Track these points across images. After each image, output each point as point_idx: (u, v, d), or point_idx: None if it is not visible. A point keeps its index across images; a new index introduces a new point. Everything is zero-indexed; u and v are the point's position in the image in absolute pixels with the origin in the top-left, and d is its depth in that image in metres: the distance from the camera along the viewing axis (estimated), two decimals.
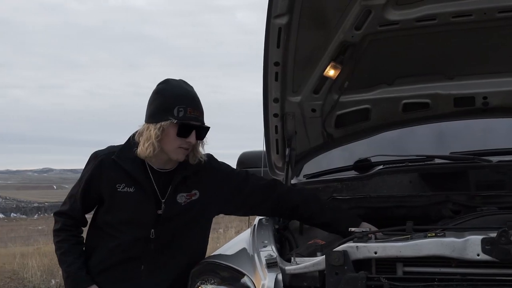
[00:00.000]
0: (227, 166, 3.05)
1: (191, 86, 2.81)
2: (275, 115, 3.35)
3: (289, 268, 2.31)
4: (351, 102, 3.42)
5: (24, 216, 65.19)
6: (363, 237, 2.28)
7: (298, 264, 2.33)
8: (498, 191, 3.13)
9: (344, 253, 2.21)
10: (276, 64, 3.11)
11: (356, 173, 3.64)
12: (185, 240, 2.81)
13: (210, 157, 2.94)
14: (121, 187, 2.75)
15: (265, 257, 2.41)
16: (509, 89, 3.22)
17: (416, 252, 2.17)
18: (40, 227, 36.43)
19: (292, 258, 2.37)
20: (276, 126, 3.39)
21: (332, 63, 3.19)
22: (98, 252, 2.82)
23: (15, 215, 68.16)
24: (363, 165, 3.64)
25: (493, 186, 3.15)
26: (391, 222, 3.22)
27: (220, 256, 2.76)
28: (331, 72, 3.22)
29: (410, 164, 3.36)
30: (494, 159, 3.29)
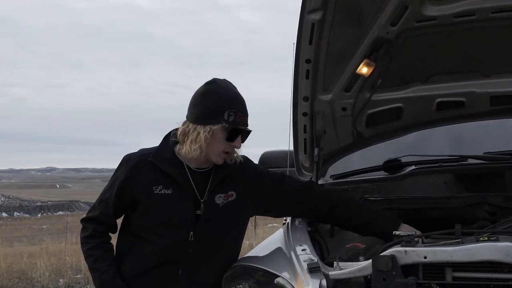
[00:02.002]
0: (263, 168, 3.02)
1: (236, 88, 2.77)
2: (304, 114, 3.26)
3: (333, 273, 2.21)
4: (383, 100, 3.32)
5: (27, 215, 65.26)
6: (411, 241, 2.18)
7: (341, 269, 2.23)
8: None
9: (392, 257, 2.11)
10: (308, 61, 3.02)
11: (385, 173, 3.55)
12: (223, 242, 2.74)
13: (245, 158, 2.89)
14: (158, 189, 2.68)
15: (306, 261, 2.32)
16: None
17: (469, 257, 2.07)
18: (44, 226, 36.43)
19: (334, 262, 2.27)
20: (305, 125, 3.30)
21: (365, 60, 3.09)
22: (132, 258, 2.72)
23: (18, 214, 68.21)
24: (393, 165, 3.54)
25: None
26: (425, 224, 3.15)
27: (254, 259, 2.66)
28: (364, 70, 3.13)
29: (444, 164, 3.26)
30: None
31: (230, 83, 2.76)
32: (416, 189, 3.22)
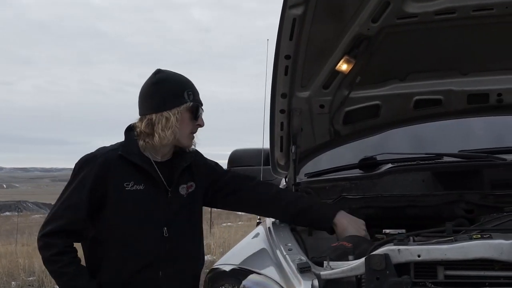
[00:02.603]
0: (211, 160, 3.03)
1: None
2: (282, 111, 3.20)
3: (325, 273, 2.16)
4: (361, 98, 3.30)
5: None
6: (403, 240, 2.15)
7: (332, 268, 2.18)
8: None
9: (386, 256, 2.07)
10: (287, 57, 2.96)
11: (361, 171, 3.53)
12: (192, 236, 2.74)
13: (196, 150, 2.90)
14: (130, 185, 2.61)
15: (295, 261, 2.25)
16: None
17: (463, 255, 2.05)
18: None
19: (325, 262, 2.22)
20: (282, 123, 3.24)
21: (345, 57, 3.05)
22: (108, 267, 2.58)
23: None
24: (368, 163, 3.53)
25: (508, 185, 3.08)
26: (402, 222, 3.14)
27: (236, 260, 2.58)
28: (343, 67, 3.09)
29: (421, 162, 3.26)
30: (506, 157, 3.22)
31: (175, 72, 2.80)
32: (394, 187, 3.21)
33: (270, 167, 3.96)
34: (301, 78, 3.14)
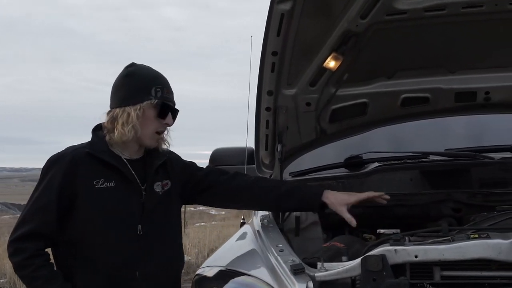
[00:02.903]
0: (187, 160, 2.91)
1: None
2: (268, 109, 3.14)
3: (320, 274, 2.09)
4: (348, 95, 3.24)
5: None
6: (400, 240, 2.10)
7: (327, 270, 2.12)
8: (501, 189, 3.05)
9: (383, 257, 2.02)
10: (274, 54, 2.90)
11: (347, 170, 3.49)
12: (168, 234, 2.64)
13: (170, 150, 2.79)
14: (100, 183, 2.49)
15: (288, 262, 2.18)
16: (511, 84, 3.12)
17: (461, 255, 2.01)
18: None
19: (318, 263, 2.15)
20: (267, 121, 3.18)
21: (333, 54, 2.99)
22: (82, 269, 2.45)
23: None
24: (354, 162, 3.49)
25: (495, 184, 3.07)
26: (391, 221, 3.10)
27: (224, 261, 2.50)
28: (331, 64, 3.03)
29: (409, 161, 3.23)
30: (491, 155, 3.21)
31: (148, 66, 2.70)
32: (382, 186, 3.16)
33: (253, 166, 3.91)
34: (288, 75, 3.08)
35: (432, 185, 3.12)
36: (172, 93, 2.63)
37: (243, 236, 2.87)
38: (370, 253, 2.05)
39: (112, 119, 2.54)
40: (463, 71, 3.14)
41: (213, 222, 22.14)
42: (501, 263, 2.03)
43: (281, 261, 2.22)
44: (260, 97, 3.08)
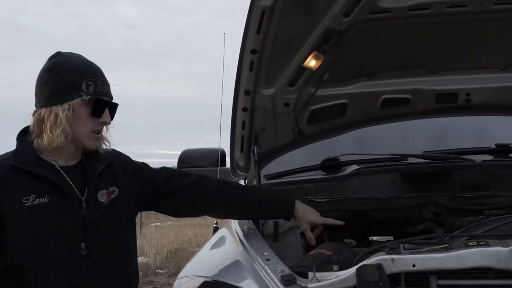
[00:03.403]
0: (137, 161, 2.56)
1: None
2: (244, 109, 3.02)
3: (312, 286, 1.98)
4: (327, 96, 3.15)
5: None
6: (396, 248, 2.00)
7: (319, 280, 2.01)
8: (483, 192, 3.01)
9: (379, 267, 1.92)
10: (253, 52, 2.77)
11: (323, 173, 3.40)
12: (118, 251, 2.29)
13: (115, 150, 2.46)
14: (31, 199, 2.13)
15: (277, 272, 2.06)
16: (493, 85, 3.09)
17: (460, 264, 1.93)
18: None
19: (310, 273, 2.04)
20: (243, 122, 3.06)
21: (314, 53, 2.89)
22: None
23: None
24: (331, 164, 3.40)
25: (477, 187, 3.02)
26: (370, 225, 3.02)
27: (207, 271, 2.36)
28: (312, 63, 2.93)
29: (389, 164, 3.16)
30: (471, 158, 3.17)
31: (78, 53, 2.33)
32: (362, 189, 3.09)
33: (223, 168, 3.79)
34: (266, 74, 2.96)
35: (413, 188, 3.06)
36: (107, 85, 2.26)
37: (221, 243, 2.74)
38: (365, 263, 1.95)
39: (39, 121, 2.19)
40: (444, 72, 3.09)
41: (169, 222, 21.87)
42: (498, 271, 1.96)
43: (269, 272, 2.10)
44: (237, 97, 2.96)
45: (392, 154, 3.29)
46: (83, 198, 2.21)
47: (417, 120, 3.32)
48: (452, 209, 3.02)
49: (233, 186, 2.66)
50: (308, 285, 1.98)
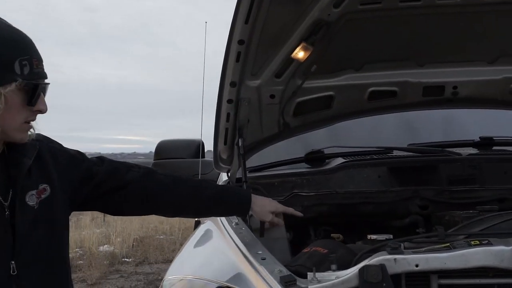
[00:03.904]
0: (70, 148, 2.14)
1: None
2: (229, 101, 2.94)
3: (313, 287, 1.92)
4: (314, 88, 3.09)
5: None
6: (398, 248, 1.96)
7: (319, 281, 1.95)
8: (469, 186, 3.01)
9: (382, 267, 1.88)
10: (241, 42, 2.69)
11: (308, 166, 3.35)
12: (53, 262, 1.94)
13: (44, 136, 2.04)
14: None
15: (276, 273, 2.00)
16: (479, 79, 3.08)
17: (464, 263, 1.90)
18: None
19: (309, 274, 1.98)
20: (228, 114, 2.98)
21: (302, 44, 2.82)
22: None
23: None
24: (315, 157, 3.36)
25: (463, 180, 3.02)
26: (356, 219, 3.00)
27: (199, 270, 2.29)
28: (300, 54, 2.86)
29: (376, 157, 3.13)
30: (457, 151, 3.16)
31: (2, 20, 1.83)
32: (349, 183, 3.06)
33: (198, 160, 3.73)
34: (252, 65, 2.89)
35: (400, 182, 3.04)
36: (42, 62, 1.82)
37: (207, 239, 2.66)
38: (368, 263, 1.90)
39: None
40: (432, 65, 3.06)
41: None
42: (498, 270, 1.94)
43: (267, 272, 2.03)
44: (222, 88, 2.88)
45: (377, 147, 3.26)
46: (6, 204, 1.79)
47: (403, 112, 3.28)
48: (438, 203, 3.02)
49: (183, 182, 2.32)
50: (309, 286, 1.92)
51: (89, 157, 2.18)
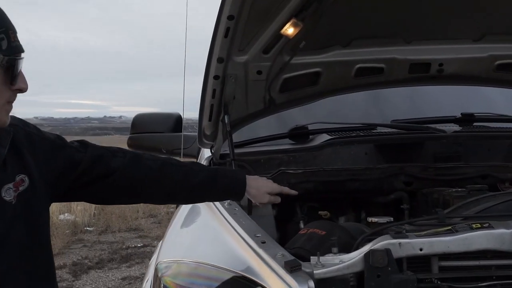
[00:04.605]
0: (48, 133, 1.94)
1: None
2: (216, 77, 2.89)
3: (318, 272, 1.91)
4: (301, 64, 3.05)
5: None
6: (401, 232, 1.97)
7: (324, 266, 1.94)
8: (453, 163, 3.05)
9: (388, 252, 1.88)
10: (230, 18, 2.63)
11: (292, 142, 3.34)
12: (36, 265, 1.76)
13: (19, 119, 1.86)
14: None
15: (278, 257, 1.98)
16: (466, 56, 3.09)
17: (466, 247, 1.92)
18: None
19: (313, 258, 1.97)
20: (214, 90, 2.93)
21: (293, 20, 2.77)
22: None
23: None
24: (299, 133, 3.34)
25: (448, 158, 3.06)
26: (343, 196, 3.01)
27: (196, 254, 2.25)
28: (290, 30, 2.81)
29: (362, 134, 3.13)
30: (441, 128, 3.19)
31: None
32: (336, 160, 3.05)
33: (178, 134, 3.67)
34: (240, 41, 2.83)
35: (387, 159, 3.06)
36: (17, 33, 1.65)
37: (197, 219, 2.62)
38: (373, 247, 1.90)
39: None
40: (419, 42, 3.05)
41: None
42: (497, 252, 1.98)
43: (268, 257, 2.01)
44: (209, 64, 2.82)
45: (361, 124, 3.26)
46: None
47: (387, 89, 3.28)
48: (422, 179, 3.05)
49: (173, 167, 2.12)
50: (314, 271, 1.91)
51: (70, 141, 1.97)
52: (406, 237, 1.94)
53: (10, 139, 1.70)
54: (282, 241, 2.50)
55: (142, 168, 2.03)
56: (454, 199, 2.53)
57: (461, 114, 3.38)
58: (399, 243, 1.92)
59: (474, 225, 1.97)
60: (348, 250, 2.04)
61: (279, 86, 3.09)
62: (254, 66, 2.97)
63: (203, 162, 3.26)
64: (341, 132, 3.25)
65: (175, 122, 3.90)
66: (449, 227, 1.99)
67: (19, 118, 1.83)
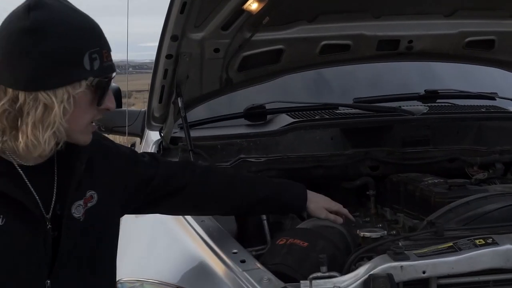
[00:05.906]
0: (120, 144, 1.92)
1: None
2: (169, 56, 2.60)
3: None
4: (262, 41, 2.77)
5: None
6: (402, 253, 1.77)
7: None
8: (422, 147, 2.92)
9: (390, 277, 1.69)
10: None
11: (248, 121, 3.09)
12: (98, 280, 1.70)
13: (96, 132, 1.72)
14: None
15: (264, 281, 1.75)
16: (436, 32, 2.90)
17: (471, 267, 1.76)
18: None
19: (303, 282, 1.75)
20: (166, 70, 2.65)
21: None
22: None
23: None
24: (255, 112, 3.10)
25: (417, 142, 2.92)
26: (306, 183, 2.81)
27: (168, 276, 1.98)
28: (254, 5, 2.53)
29: (327, 117, 2.91)
30: (409, 109, 3.01)
31: (67, 2, 1.51)
32: (300, 146, 2.83)
33: (121, 110, 3.39)
34: (196, 17, 2.53)
35: (353, 144, 2.87)
36: (110, 52, 1.55)
37: (162, 229, 2.30)
38: (373, 272, 1.71)
39: (13, 111, 1.42)
40: (389, 17, 2.83)
41: None
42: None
43: (251, 280, 1.77)
44: (162, 43, 2.53)
45: (322, 104, 3.05)
46: (48, 217, 1.53)
47: (350, 65, 3.07)
48: (388, 163, 2.90)
49: (241, 181, 2.13)
50: None
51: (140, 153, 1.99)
52: (407, 258, 1.75)
53: (85, 155, 1.63)
54: (241, 236, 2.34)
55: (212, 184, 2.05)
56: (436, 197, 2.37)
57: (425, 91, 3.23)
58: (401, 266, 1.73)
59: (477, 242, 1.81)
60: (334, 265, 1.86)
61: (238, 65, 2.83)
62: (211, 44, 2.68)
63: (151, 145, 2.97)
64: (301, 112, 3.02)
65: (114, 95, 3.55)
66: (451, 244, 1.82)
67: (96, 131, 1.69)
